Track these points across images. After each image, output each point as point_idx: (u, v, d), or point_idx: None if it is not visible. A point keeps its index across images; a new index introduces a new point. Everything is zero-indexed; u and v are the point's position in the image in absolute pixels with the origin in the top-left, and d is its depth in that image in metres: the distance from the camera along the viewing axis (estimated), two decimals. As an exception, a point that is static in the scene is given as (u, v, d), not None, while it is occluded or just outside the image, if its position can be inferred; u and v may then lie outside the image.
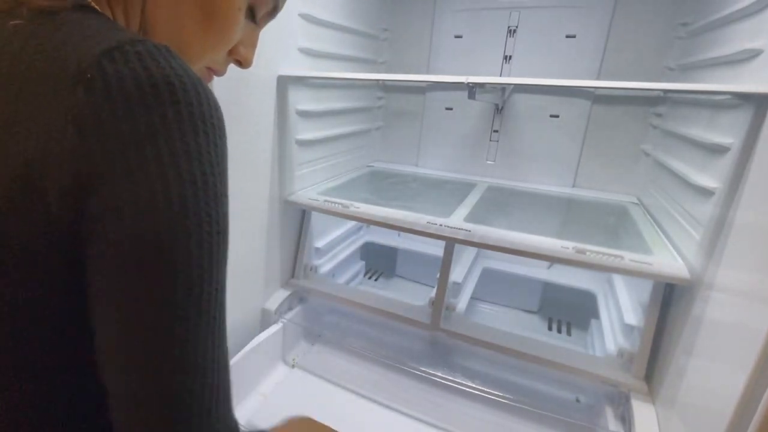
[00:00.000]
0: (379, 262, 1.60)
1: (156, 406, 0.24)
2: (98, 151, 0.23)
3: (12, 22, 0.26)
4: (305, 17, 1.01)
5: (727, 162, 0.67)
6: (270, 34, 0.89)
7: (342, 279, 1.38)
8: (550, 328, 1.32)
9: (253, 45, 0.39)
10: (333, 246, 1.32)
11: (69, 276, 0.25)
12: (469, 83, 0.86)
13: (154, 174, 0.23)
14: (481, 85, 0.92)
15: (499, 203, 1.17)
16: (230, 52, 0.38)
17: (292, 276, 1.13)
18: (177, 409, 0.25)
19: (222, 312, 0.27)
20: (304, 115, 1.06)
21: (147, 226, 0.23)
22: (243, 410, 0.87)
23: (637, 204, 1.15)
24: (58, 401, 0.28)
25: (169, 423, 0.25)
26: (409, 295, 1.35)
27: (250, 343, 0.93)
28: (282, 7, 0.40)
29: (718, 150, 0.71)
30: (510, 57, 1.31)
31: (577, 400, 0.94)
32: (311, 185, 1.15)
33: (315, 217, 1.13)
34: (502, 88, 1.27)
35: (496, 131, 1.38)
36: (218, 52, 0.36)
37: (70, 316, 0.26)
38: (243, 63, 0.39)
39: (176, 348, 0.25)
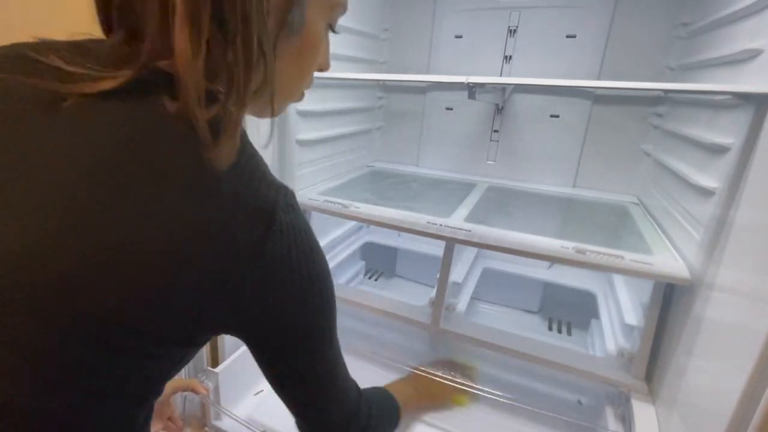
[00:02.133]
0: (379, 262, 1.60)
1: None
2: (272, 276, 0.34)
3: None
4: (305, 17, 1.01)
5: (727, 162, 0.67)
6: (270, 34, 0.89)
7: (342, 279, 1.38)
8: (550, 328, 1.32)
9: (328, 49, 0.45)
10: (333, 246, 1.32)
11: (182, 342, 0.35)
12: (469, 83, 0.86)
13: (309, 292, 0.38)
14: (482, 85, 0.92)
15: (500, 203, 1.17)
16: None
17: (292, 276, 1.13)
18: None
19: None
20: (304, 115, 1.06)
21: (311, 320, 0.40)
22: (242, 406, 0.87)
23: (637, 204, 1.15)
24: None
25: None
26: (409, 295, 1.35)
27: (250, 343, 0.93)
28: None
29: (719, 150, 0.71)
30: (510, 57, 1.31)
31: (579, 402, 0.94)
32: (311, 185, 1.15)
33: (315, 217, 1.13)
34: (503, 88, 1.27)
35: (496, 131, 1.38)
36: (311, 76, 0.44)
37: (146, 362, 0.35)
38: (324, 69, 0.45)
39: (334, 366, 0.46)
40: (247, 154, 0.35)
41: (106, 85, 0.30)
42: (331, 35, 0.44)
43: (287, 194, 0.35)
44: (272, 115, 0.40)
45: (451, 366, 0.92)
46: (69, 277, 0.28)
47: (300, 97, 0.45)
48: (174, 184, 0.30)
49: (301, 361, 0.41)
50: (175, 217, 0.30)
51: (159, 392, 0.39)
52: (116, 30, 0.33)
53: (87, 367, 0.30)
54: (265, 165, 0.36)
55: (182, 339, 0.34)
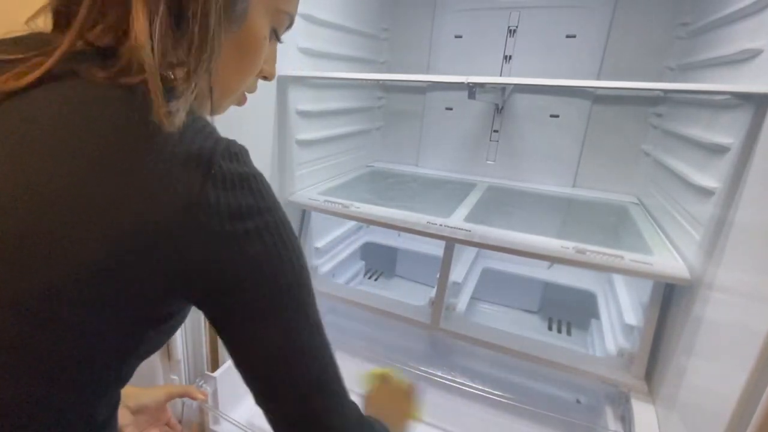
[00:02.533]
0: (379, 262, 1.60)
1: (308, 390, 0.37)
2: (220, 225, 0.31)
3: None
4: (305, 17, 1.01)
5: (727, 162, 0.67)
6: (270, 34, 0.89)
7: (342, 279, 1.38)
8: (550, 328, 1.32)
9: (274, 59, 0.45)
10: (333, 246, 1.32)
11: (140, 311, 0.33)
12: (469, 83, 0.86)
13: (267, 240, 0.34)
14: (481, 85, 0.92)
15: (499, 203, 1.17)
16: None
17: (292, 276, 1.13)
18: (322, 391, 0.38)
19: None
20: (304, 115, 1.06)
21: (272, 276, 0.34)
22: (243, 409, 0.87)
23: (637, 204, 1.15)
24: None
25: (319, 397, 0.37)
26: (409, 295, 1.35)
27: (250, 342, 0.93)
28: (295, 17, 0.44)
29: (718, 150, 0.71)
30: (510, 57, 1.31)
31: (578, 402, 0.94)
32: (311, 185, 1.15)
33: (315, 217, 1.13)
34: (502, 88, 1.27)
35: (496, 131, 1.38)
36: (252, 78, 0.43)
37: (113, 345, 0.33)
38: (268, 77, 0.45)
39: (307, 347, 0.37)
40: (190, 115, 0.33)
41: (36, 74, 0.30)
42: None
43: (230, 144, 0.33)
44: (212, 112, 0.39)
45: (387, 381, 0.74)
46: (6, 248, 0.28)
47: (241, 100, 0.45)
48: (106, 144, 0.30)
49: (272, 333, 0.35)
50: (112, 176, 0.29)
51: (119, 382, 0.36)
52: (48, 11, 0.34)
53: (35, 349, 0.29)
54: (211, 126, 0.34)
55: (135, 313, 0.32)
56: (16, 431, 0.30)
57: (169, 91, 0.31)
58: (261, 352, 0.35)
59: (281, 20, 0.41)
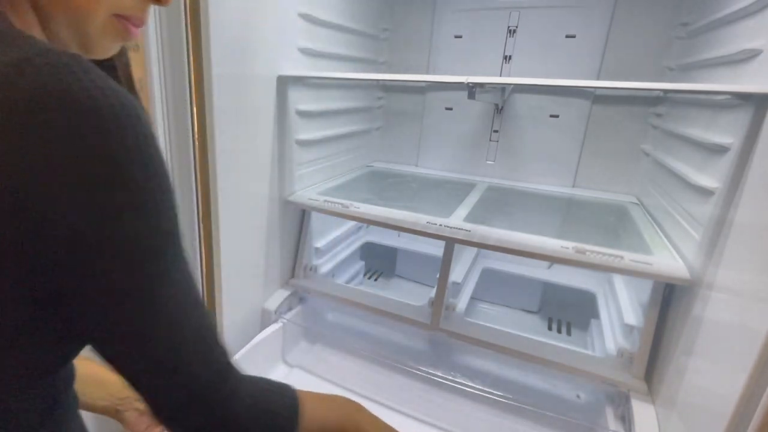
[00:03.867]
0: (379, 262, 1.60)
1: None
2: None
3: None
4: (305, 17, 1.01)
5: (726, 162, 0.67)
6: (270, 34, 0.89)
7: (342, 279, 1.38)
8: (550, 328, 1.32)
9: None
10: (333, 246, 1.32)
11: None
12: (469, 83, 0.86)
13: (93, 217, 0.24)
14: (481, 85, 0.92)
15: (499, 203, 1.17)
16: None
17: (292, 276, 1.13)
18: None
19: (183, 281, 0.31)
20: (304, 115, 1.06)
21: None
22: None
23: (637, 204, 1.15)
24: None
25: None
26: (409, 295, 1.34)
27: (250, 342, 0.93)
28: None
29: (718, 150, 0.71)
30: (510, 57, 1.31)
31: (578, 396, 0.95)
32: (311, 185, 1.15)
33: (315, 217, 1.13)
34: (502, 88, 1.27)
35: (496, 131, 1.38)
36: None
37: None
38: (161, 0, 0.32)
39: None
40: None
41: None
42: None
43: (39, 51, 0.23)
44: (88, 53, 0.30)
45: None
46: None
47: (120, 30, 0.31)
48: None
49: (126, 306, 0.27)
50: None
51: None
52: None
53: None
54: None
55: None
56: None
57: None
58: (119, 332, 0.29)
59: None
